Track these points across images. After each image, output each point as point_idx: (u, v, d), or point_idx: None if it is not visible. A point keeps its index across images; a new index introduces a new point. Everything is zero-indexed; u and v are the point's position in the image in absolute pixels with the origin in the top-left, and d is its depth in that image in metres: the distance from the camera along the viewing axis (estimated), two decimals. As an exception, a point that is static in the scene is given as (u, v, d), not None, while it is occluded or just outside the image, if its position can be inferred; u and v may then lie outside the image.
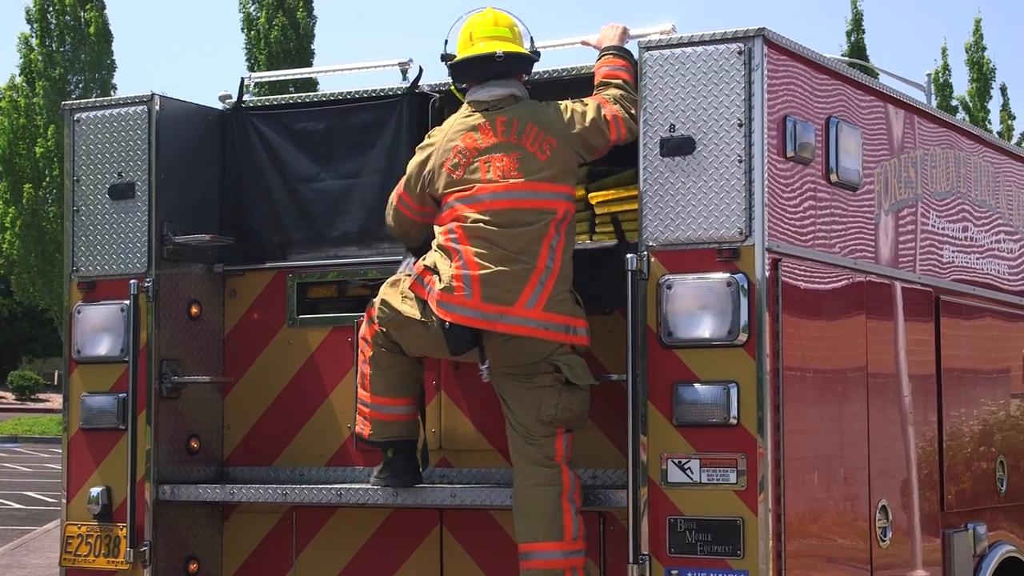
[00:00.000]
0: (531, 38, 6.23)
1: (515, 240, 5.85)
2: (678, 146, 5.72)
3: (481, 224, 5.89)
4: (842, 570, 6.04)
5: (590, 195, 6.34)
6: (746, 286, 5.57)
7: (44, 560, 17.46)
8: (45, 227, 37.78)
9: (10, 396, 51.15)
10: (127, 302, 6.63)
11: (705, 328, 5.62)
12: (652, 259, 5.71)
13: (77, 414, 6.78)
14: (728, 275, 5.60)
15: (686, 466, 5.63)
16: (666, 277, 5.68)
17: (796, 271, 5.76)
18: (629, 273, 5.70)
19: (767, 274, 5.58)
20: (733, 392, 5.56)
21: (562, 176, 5.92)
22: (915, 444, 6.67)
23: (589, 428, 6.16)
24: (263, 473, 6.81)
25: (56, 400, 46.72)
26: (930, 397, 6.82)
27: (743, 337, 5.57)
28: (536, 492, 5.84)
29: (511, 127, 5.97)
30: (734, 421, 5.56)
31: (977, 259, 7.42)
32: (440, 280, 5.87)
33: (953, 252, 7.15)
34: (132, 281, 6.61)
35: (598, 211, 6.32)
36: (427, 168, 6.12)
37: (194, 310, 6.83)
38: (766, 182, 5.60)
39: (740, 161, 5.62)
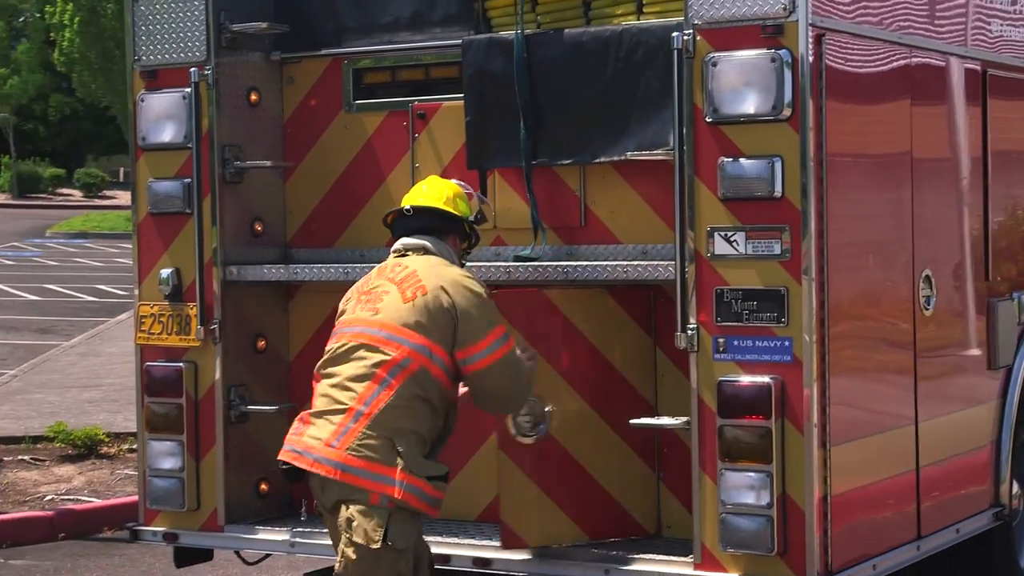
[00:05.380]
0: (478, 214, 6.13)
1: (345, 372, 5.71)
2: (723, -76, 5.77)
3: (330, 357, 5.81)
4: (885, 336, 6.25)
5: (637, -25, 6.44)
6: (790, 61, 5.67)
7: (118, 348, 18.02)
8: (104, 24, 37.87)
9: (78, 194, 51.90)
10: (188, 90, 6.81)
11: (750, 104, 5.73)
12: (698, 37, 5.81)
13: (145, 199, 7.02)
14: (772, 51, 5.69)
15: (732, 239, 5.80)
16: (711, 55, 5.78)
17: (840, 46, 5.84)
18: (675, 52, 5.81)
19: (811, 49, 5.68)
20: (777, 166, 5.70)
21: (418, 325, 5.68)
22: (960, 218, 6.83)
23: (639, 205, 6.35)
24: (325, 254, 7.04)
25: (122, 197, 47.33)
26: (977, 170, 6.94)
27: (787, 112, 5.68)
28: None
29: (400, 269, 5.86)
30: (778, 194, 5.70)
31: (1024, 33, 7.45)
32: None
33: (1002, 26, 7.19)
34: (192, 69, 6.79)
35: (645, -10, 6.41)
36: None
37: (253, 97, 7.01)
38: (811, -43, 5.66)
39: (786, -64, 5.66)
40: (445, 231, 6.02)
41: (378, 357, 5.68)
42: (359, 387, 5.66)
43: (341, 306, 6.01)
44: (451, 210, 6.01)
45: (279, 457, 5.86)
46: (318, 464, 5.66)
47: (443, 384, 5.74)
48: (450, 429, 5.92)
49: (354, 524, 5.57)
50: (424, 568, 5.84)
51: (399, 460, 5.58)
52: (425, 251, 5.94)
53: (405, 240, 6.01)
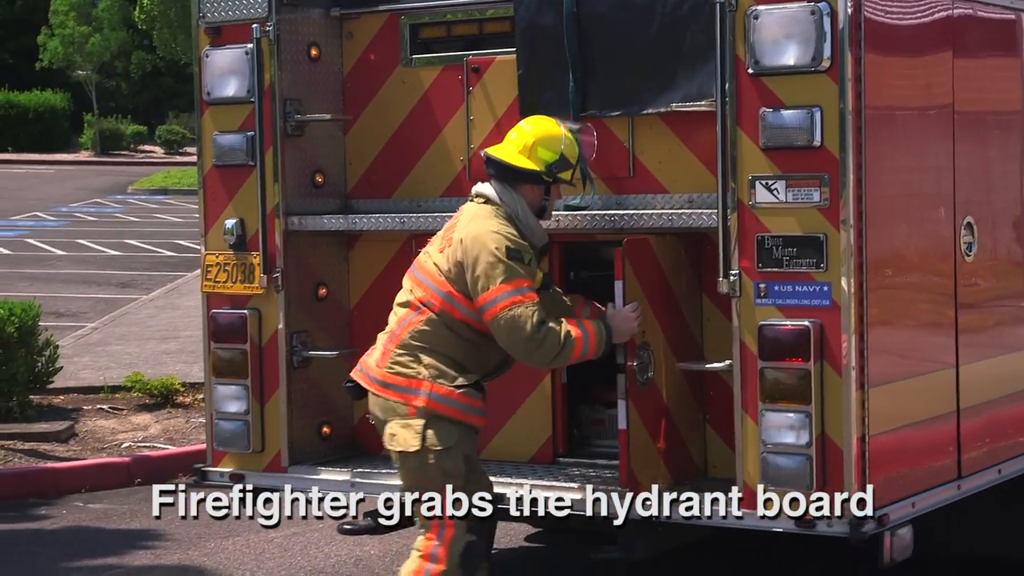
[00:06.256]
0: (559, 158, 6.21)
1: (397, 302, 6.25)
2: None
3: (403, 289, 6.30)
4: (925, 281, 6.39)
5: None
6: (829, 13, 5.80)
7: (195, 302, 18.33)
8: (183, -18, 38.22)
9: (159, 150, 52.47)
10: (251, 46, 7.03)
11: (790, 56, 5.88)
12: (740, -10, 5.96)
13: (210, 152, 7.25)
14: (811, 3, 5.83)
15: (773, 187, 5.96)
16: (753, 8, 5.93)
17: (880, -1, 5.97)
18: (718, 5, 5.96)
19: (850, 1, 5.80)
20: (817, 116, 5.85)
21: (443, 273, 6.11)
22: (1003, 168, 6.95)
23: (686, 155, 6.51)
24: (383, 204, 7.25)
25: (203, 153, 47.65)
26: (1017, 117, 7.05)
27: (826, 63, 5.83)
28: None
29: (456, 216, 6.26)
30: (817, 143, 5.85)
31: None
32: None
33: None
34: (254, 25, 7.01)
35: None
36: None
37: (314, 52, 7.22)
38: (850, -91, 5.77)
39: None
40: (515, 181, 6.22)
41: (414, 294, 6.17)
42: (401, 312, 6.19)
43: None
44: (519, 163, 6.19)
45: (350, 374, 6.31)
46: (371, 383, 6.17)
47: (473, 326, 6.09)
48: (508, 364, 6.24)
49: (396, 437, 6.04)
50: (479, 474, 6.21)
51: (423, 371, 6.04)
52: (486, 200, 6.21)
53: (477, 186, 6.31)
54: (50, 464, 10.90)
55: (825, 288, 5.87)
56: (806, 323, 5.88)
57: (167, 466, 11.03)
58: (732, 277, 6.02)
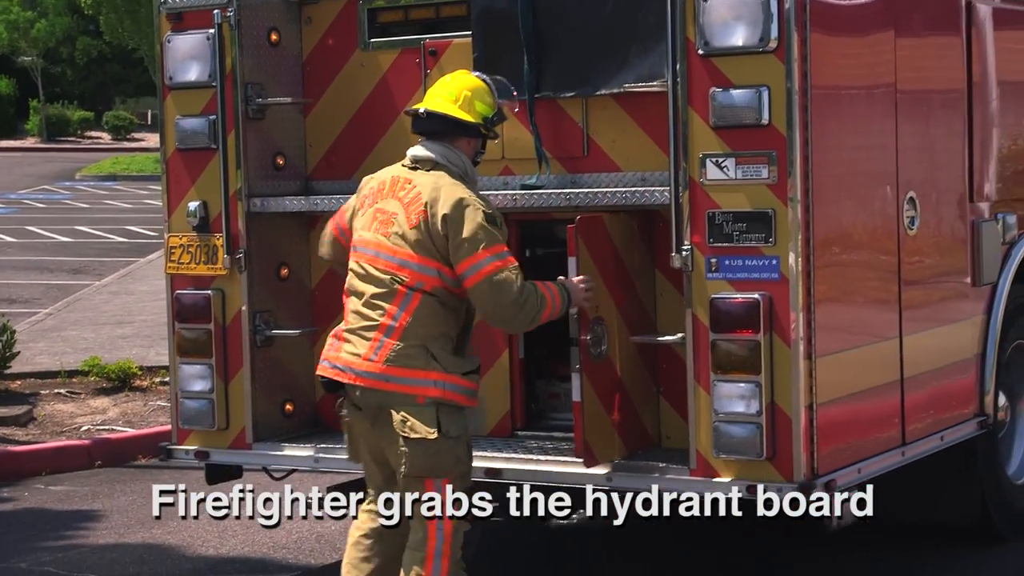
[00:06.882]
0: (496, 112, 6.31)
1: (370, 291, 6.09)
2: None
3: (354, 276, 6.18)
4: (870, 254, 6.61)
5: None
6: (776, -5, 6.01)
7: (149, 287, 18.48)
8: (130, -33, 38.07)
9: (106, 136, 52.26)
10: (212, 31, 7.17)
11: (738, 37, 6.07)
12: (689, -26, 6.14)
13: (172, 136, 7.39)
14: (759, -14, 6.03)
15: (723, 164, 6.15)
16: (702, -10, 6.12)
17: (824, -20, 6.17)
18: (667, -12, 6.16)
19: (795, -18, 6.01)
20: (765, 95, 6.04)
21: (423, 248, 6.03)
22: (944, 144, 7.17)
23: (638, 134, 6.69)
24: (343, 186, 7.35)
25: (151, 139, 47.68)
26: (961, 97, 7.27)
27: (773, 44, 6.02)
28: (405, 553, 6.14)
29: (408, 188, 6.13)
30: (765, 122, 6.05)
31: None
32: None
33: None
34: (215, 11, 7.15)
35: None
36: (357, 200, 6.36)
37: (274, 37, 7.36)
38: None
39: None
40: (456, 135, 6.25)
41: (395, 279, 6.06)
42: (385, 304, 6.06)
43: (355, 203, 6.32)
44: (462, 116, 6.21)
45: (318, 372, 6.27)
46: (360, 378, 6.07)
47: (459, 294, 6.10)
48: (472, 318, 6.24)
49: (408, 424, 5.98)
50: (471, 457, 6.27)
51: (434, 363, 6.02)
52: (434, 165, 6.18)
53: (415, 152, 6.24)
54: (10, 448, 10.99)
55: (774, 262, 6.07)
56: (756, 296, 6.08)
57: (127, 448, 11.17)
58: (684, 252, 6.22)
